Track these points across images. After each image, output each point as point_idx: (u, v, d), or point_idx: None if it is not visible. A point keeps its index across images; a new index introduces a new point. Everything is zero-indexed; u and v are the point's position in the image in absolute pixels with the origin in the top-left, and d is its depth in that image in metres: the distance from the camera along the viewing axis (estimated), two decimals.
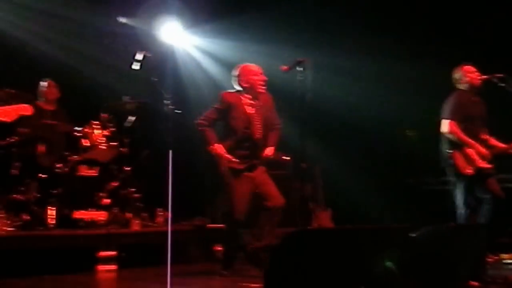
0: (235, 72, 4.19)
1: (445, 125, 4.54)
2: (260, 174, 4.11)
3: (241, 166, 4.05)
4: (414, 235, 2.88)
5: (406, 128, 6.76)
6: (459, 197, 4.52)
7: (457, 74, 4.72)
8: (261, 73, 4.14)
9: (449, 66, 4.83)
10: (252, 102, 4.12)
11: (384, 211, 6.52)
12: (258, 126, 4.09)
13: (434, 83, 5.59)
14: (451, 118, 4.53)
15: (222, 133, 4.18)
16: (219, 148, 4.06)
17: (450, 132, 4.52)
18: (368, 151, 6.83)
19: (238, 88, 4.17)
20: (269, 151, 4.13)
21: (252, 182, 4.07)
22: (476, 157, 4.46)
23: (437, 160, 4.69)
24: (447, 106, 4.61)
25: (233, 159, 4.03)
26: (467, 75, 4.67)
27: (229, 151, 4.06)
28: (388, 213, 6.44)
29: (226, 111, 4.09)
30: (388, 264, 2.40)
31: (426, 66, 6.05)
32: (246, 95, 4.13)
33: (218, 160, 4.11)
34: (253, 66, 4.18)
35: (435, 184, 6.21)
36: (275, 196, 4.06)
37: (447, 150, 4.55)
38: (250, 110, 4.09)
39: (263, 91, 4.14)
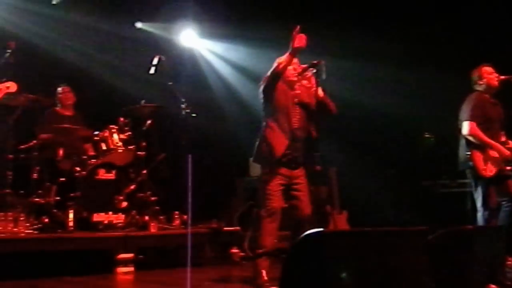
0: None
1: (466, 127, 4.43)
2: (299, 176, 3.94)
3: (284, 159, 3.86)
4: (431, 237, 2.86)
5: (423, 130, 6.70)
6: (478, 199, 4.44)
7: (475, 75, 4.62)
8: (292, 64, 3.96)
9: (465, 69, 4.77)
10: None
11: (400, 214, 6.47)
12: (297, 112, 3.93)
13: (451, 86, 5.54)
14: (472, 119, 4.42)
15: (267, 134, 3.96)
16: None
17: (471, 134, 4.41)
18: (384, 153, 6.79)
19: None
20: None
21: (288, 182, 3.89)
22: (498, 159, 4.40)
23: (453, 162, 4.63)
24: (467, 108, 4.50)
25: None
26: (485, 76, 4.58)
27: (275, 146, 3.86)
28: (405, 215, 6.39)
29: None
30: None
31: (442, 69, 6.00)
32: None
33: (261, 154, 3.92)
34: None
35: (452, 186, 6.14)
36: (303, 208, 3.90)
37: (467, 152, 4.45)
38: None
39: (294, 78, 3.97)
